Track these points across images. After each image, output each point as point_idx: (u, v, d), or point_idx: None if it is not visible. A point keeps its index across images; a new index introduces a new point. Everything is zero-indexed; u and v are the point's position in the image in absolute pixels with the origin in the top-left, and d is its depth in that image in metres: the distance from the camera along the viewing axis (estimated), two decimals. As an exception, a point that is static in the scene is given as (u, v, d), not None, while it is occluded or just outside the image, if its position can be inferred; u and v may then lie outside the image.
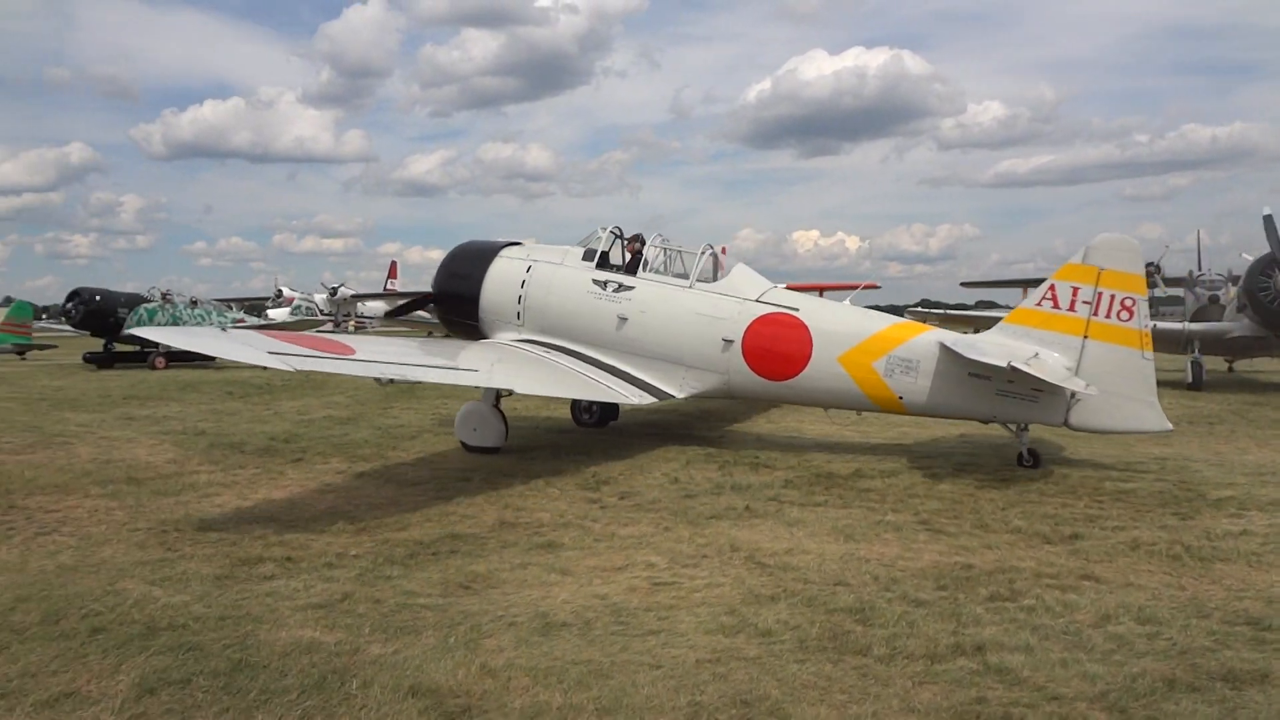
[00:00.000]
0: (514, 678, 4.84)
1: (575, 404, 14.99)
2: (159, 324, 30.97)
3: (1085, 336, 10.55)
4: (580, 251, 13.27)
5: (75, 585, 6.40)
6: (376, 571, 6.78)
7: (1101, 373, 10.42)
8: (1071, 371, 10.45)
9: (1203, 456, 12.10)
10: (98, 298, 31.79)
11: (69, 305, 32.63)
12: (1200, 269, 28.29)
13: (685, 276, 12.68)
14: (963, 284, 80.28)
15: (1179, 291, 30.10)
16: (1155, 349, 10.84)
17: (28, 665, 5.00)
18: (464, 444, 12.20)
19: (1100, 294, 10.54)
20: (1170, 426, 10.70)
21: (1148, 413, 10.45)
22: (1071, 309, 10.67)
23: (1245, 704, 4.55)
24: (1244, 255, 22.53)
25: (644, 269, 12.84)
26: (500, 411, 12.25)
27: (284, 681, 4.78)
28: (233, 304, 46.17)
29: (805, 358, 11.65)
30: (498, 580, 6.61)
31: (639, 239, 13.26)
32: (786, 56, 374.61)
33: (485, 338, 13.56)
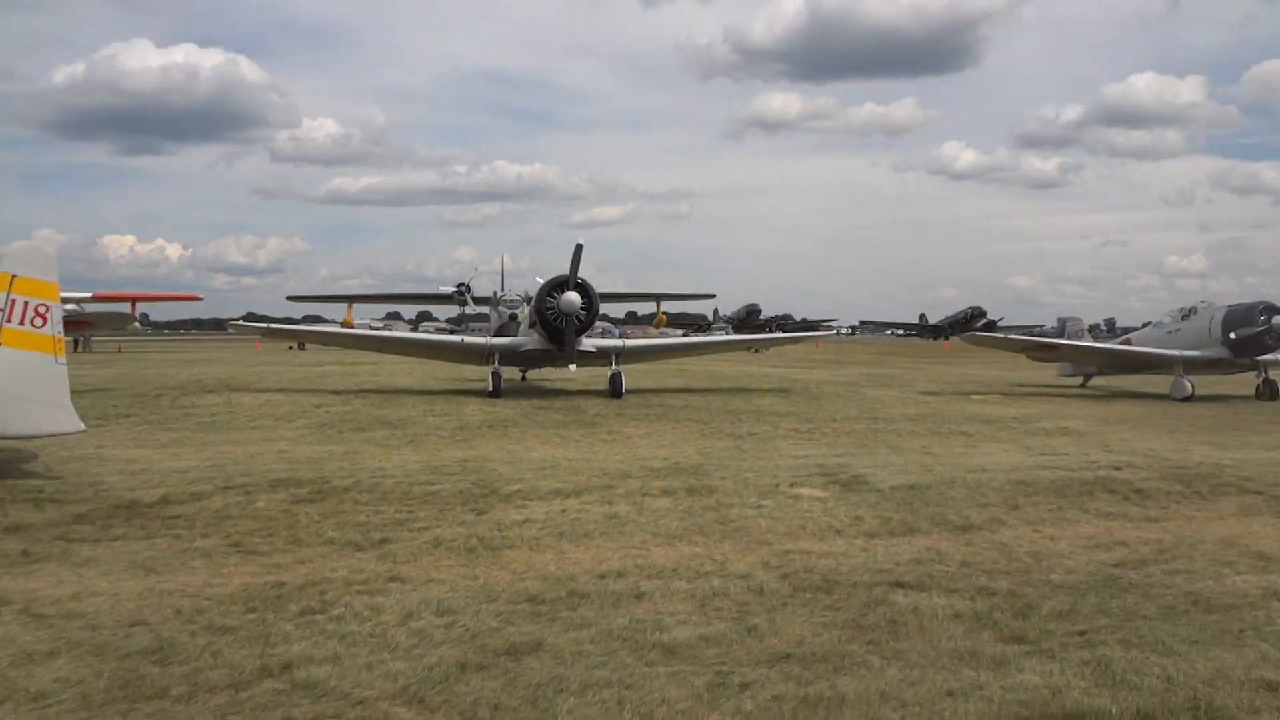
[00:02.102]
0: None
1: None
2: None
3: None
4: None
5: None
6: None
7: (15, 378, 10.54)
8: None
9: (498, 456, 13.49)
10: None
11: None
12: (503, 289, 31.90)
13: None
14: (289, 298, 79.61)
15: (485, 309, 33.56)
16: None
17: None
18: None
19: (14, 300, 10.61)
20: (84, 427, 11.26)
21: (61, 415, 10.85)
22: (-14, 315, 10.58)
23: (523, 672, 5.12)
24: (537, 279, 25.70)
25: None
26: None
27: None
28: None
29: None
30: None
31: None
32: (105, 39, 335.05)
33: None
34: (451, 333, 45.24)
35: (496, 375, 24.37)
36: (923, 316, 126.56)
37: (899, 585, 6.86)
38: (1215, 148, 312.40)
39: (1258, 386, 26.12)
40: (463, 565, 7.37)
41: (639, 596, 6.55)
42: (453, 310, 57.42)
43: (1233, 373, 27.43)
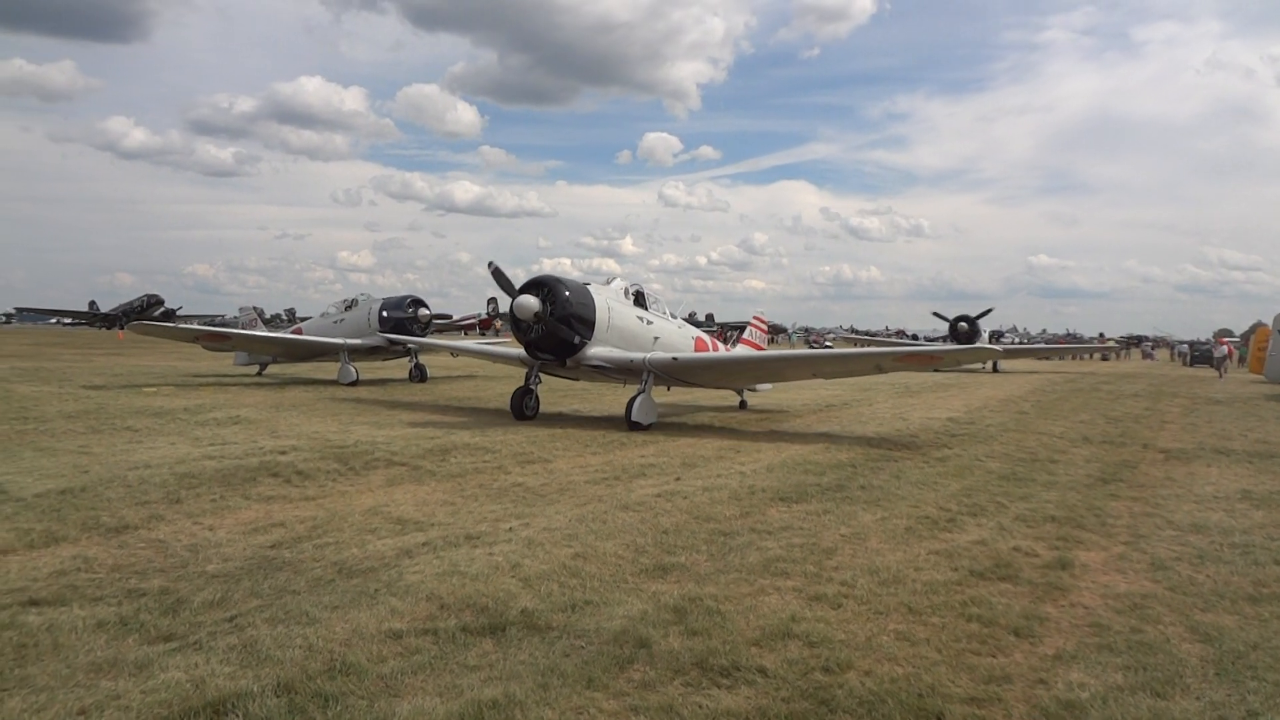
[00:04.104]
0: None
1: None
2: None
3: None
4: None
5: None
6: None
7: None
8: None
9: None
10: None
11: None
12: None
13: None
14: None
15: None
16: None
17: None
18: None
19: None
20: None
21: None
22: None
23: None
24: None
25: None
26: None
27: None
28: None
29: None
30: None
31: None
32: None
33: None
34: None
35: None
36: (93, 304, 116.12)
37: (33, 604, 6.13)
38: (376, 155, 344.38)
39: (410, 370, 29.59)
40: None
41: None
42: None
43: (390, 359, 30.58)
